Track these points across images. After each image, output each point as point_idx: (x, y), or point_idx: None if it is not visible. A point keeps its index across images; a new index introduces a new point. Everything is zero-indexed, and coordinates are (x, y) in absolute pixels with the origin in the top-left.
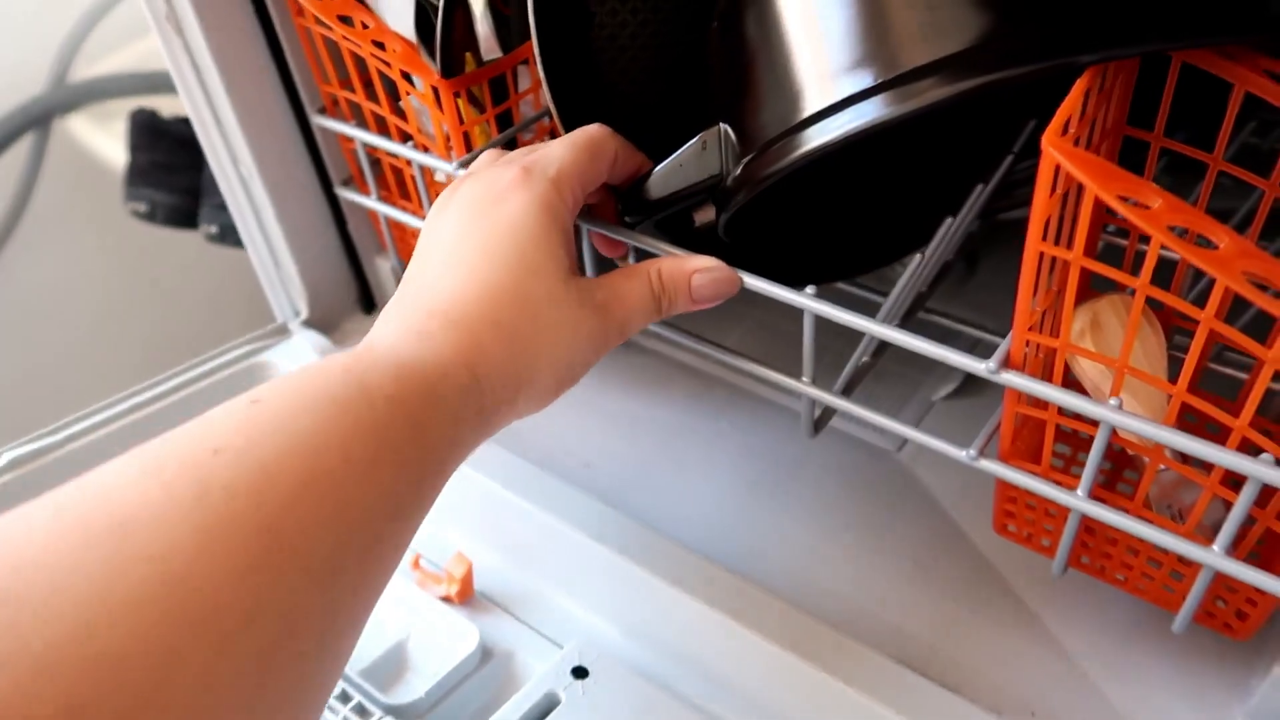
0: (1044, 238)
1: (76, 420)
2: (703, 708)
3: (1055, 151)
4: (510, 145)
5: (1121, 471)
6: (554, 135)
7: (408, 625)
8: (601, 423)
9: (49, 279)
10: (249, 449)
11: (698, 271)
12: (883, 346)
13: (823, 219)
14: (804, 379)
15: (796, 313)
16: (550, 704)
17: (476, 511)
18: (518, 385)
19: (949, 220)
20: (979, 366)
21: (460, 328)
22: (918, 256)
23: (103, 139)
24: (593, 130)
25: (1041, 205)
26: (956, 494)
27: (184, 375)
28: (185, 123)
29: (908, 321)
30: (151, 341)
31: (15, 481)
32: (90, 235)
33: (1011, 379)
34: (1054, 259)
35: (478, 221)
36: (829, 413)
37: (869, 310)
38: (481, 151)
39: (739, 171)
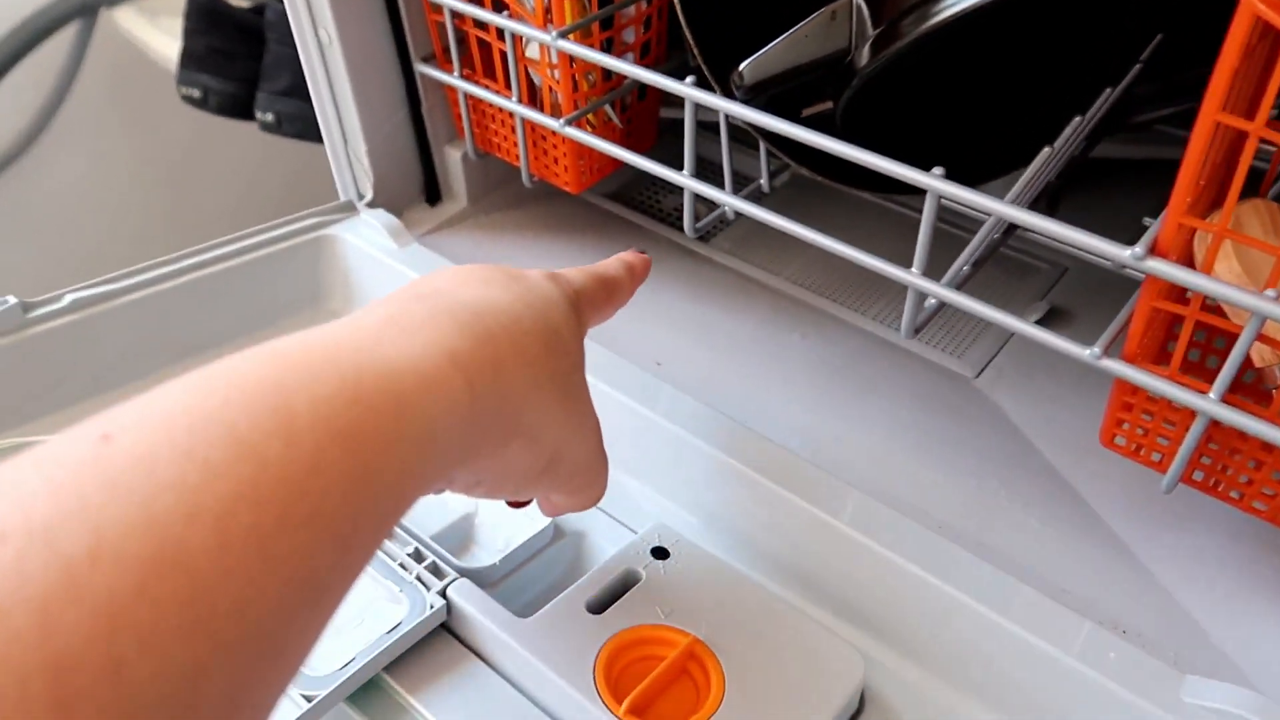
0: (1223, 107)
1: (140, 270)
2: (783, 596)
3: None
4: (607, 22)
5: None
6: (652, 20)
7: (473, 500)
8: (671, 327)
9: (81, 173)
10: (66, 523)
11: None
12: (1000, 241)
13: (938, 117)
14: (913, 270)
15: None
16: (630, 580)
17: None
18: (513, 429)
19: (1077, 119)
20: (1123, 254)
21: (475, 325)
22: (1046, 150)
23: (151, 32)
24: (614, 267)
25: (1229, 64)
26: (1040, 422)
27: (249, 240)
28: (246, 10)
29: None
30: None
31: (82, 322)
32: (132, 128)
33: (1158, 267)
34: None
35: (507, 276)
36: (930, 315)
37: (952, 243)
38: (580, 24)
39: (869, 44)
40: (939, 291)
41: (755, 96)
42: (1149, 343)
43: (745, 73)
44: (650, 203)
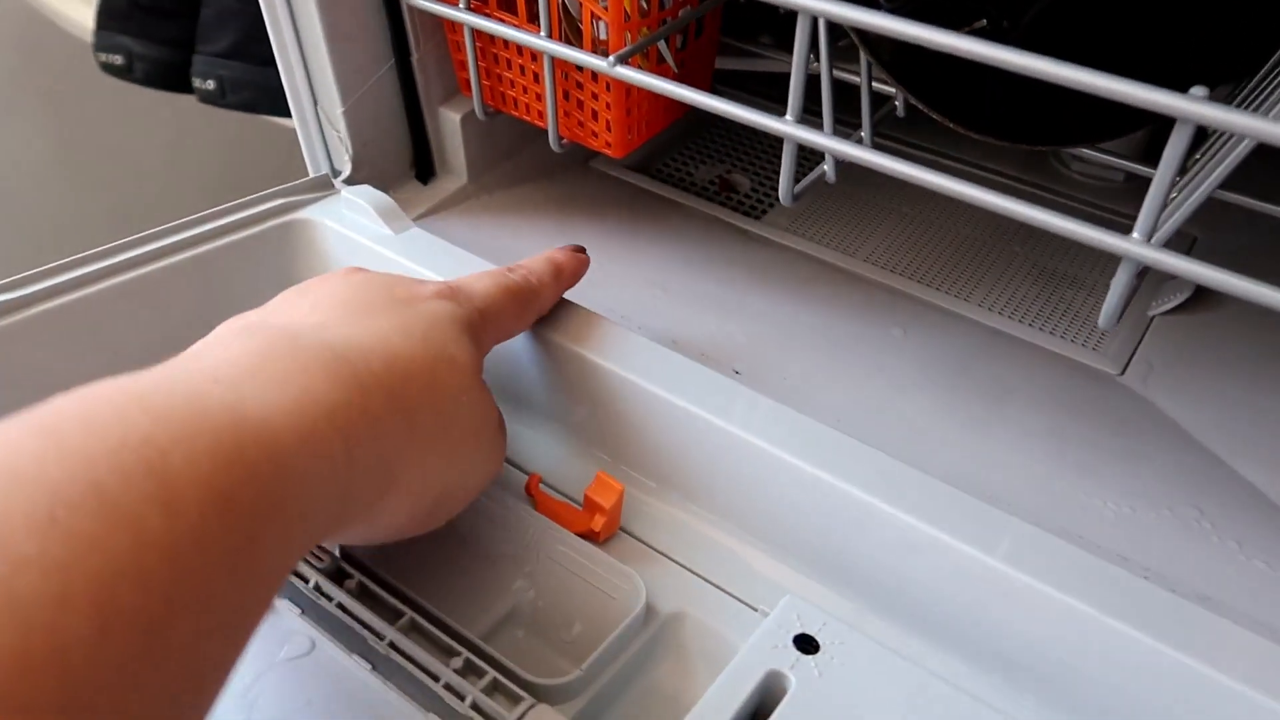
0: None
1: (61, 269)
2: (970, 689)
3: None
4: None
5: None
6: None
7: (525, 570)
8: (742, 323)
9: None
10: None
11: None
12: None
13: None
14: (1136, 235)
15: (928, 221)
16: (775, 690)
17: (613, 419)
18: (389, 484)
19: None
20: None
21: (348, 377)
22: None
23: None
24: (531, 272)
25: None
26: (1218, 428)
27: (197, 228)
28: None
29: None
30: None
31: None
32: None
33: None
34: None
35: (390, 299)
36: (1131, 294)
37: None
38: None
39: None
40: (1188, 267)
41: (896, 7)
42: None
43: None
44: (681, 175)
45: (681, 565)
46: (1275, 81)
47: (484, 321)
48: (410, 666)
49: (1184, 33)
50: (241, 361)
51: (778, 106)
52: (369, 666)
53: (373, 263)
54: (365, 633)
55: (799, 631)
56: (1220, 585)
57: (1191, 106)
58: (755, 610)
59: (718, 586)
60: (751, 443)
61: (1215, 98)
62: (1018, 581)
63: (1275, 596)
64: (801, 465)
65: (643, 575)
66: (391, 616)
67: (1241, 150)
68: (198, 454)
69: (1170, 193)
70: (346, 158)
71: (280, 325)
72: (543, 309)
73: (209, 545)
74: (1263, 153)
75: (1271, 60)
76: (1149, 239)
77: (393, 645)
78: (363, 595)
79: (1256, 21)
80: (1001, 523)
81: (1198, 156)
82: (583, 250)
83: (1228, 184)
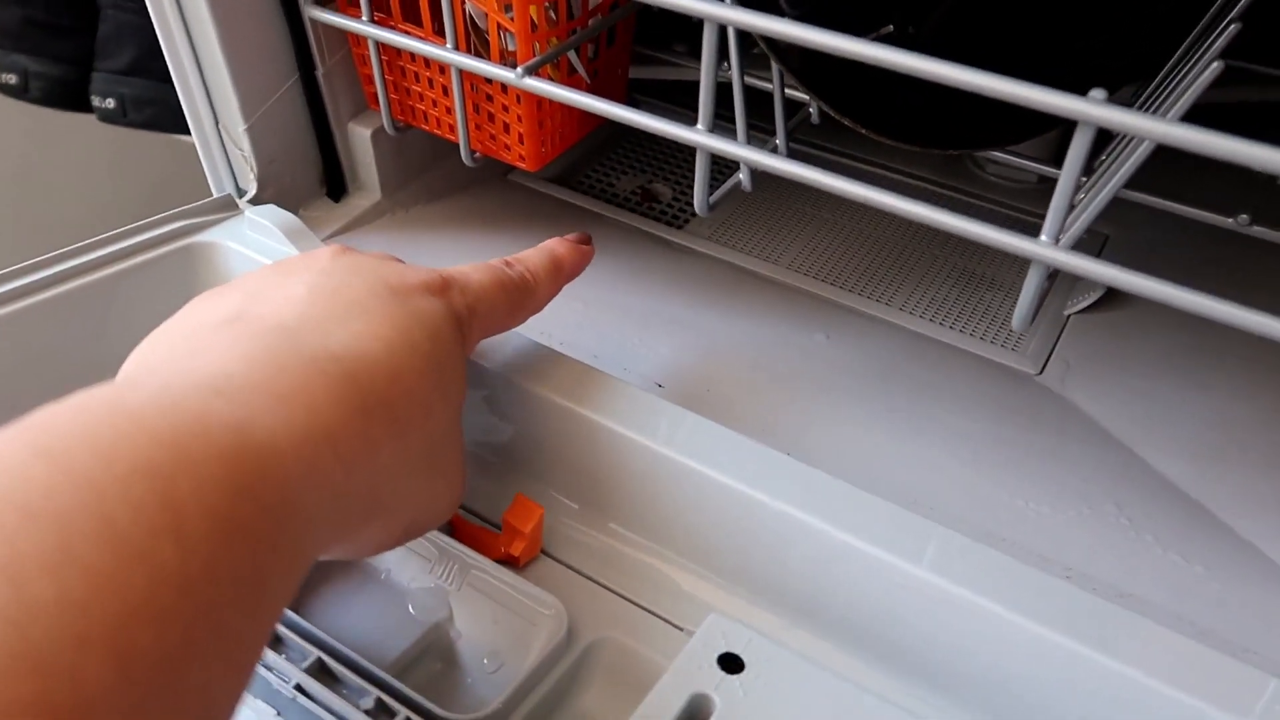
0: None
1: None
2: (898, 701)
3: None
4: None
5: None
6: None
7: (444, 600)
8: (665, 336)
9: None
10: None
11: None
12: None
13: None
14: (1044, 237)
15: (849, 227)
16: (701, 711)
17: (532, 440)
18: (377, 509)
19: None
20: None
21: (351, 396)
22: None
23: None
24: (528, 266)
25: None
26: (1134, 424)
27: (90, 254)
28: None
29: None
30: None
31: None
32: None
33: None
34: None
35: (384, 290)
36: (1044, 297)
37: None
38: None
39: None
40: (1096, 269)
41: (802, 14)
42: None
43: None
44: (603, 186)
45: (605, 587)
46: (1175, 81)
47: (473, 319)
48: (318, 710)
49: (1088, 34)
50: (243, 371)
51: (695, 115)
52: (274, 713)
53: None
54: (270, 676)
55: (723, 650)
56: (1138, 580)
57: (1090, 109)
58: (681, 630)
59: (643, 608)
60: (674, 459)
61: (1120, 98)
62: (942, 590)
63: (1191, 589)
64: (724, 480)
65: (565, 599)
66: (299, 657)
67: (1142, 152)
68: (206, 483)
69: (1078, 194)
70: (251, 177)
71: (275, 322)
72: (537, 308)
73: (221, 578)
74: (1169, 151)
75: (1172, 59)
76: (1056, 241)
77: (299, 688)
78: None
79: (1158, 22)
80: (925, 531)
81: (1104, 158)
82: (588, 240)
83: (1135, 183)
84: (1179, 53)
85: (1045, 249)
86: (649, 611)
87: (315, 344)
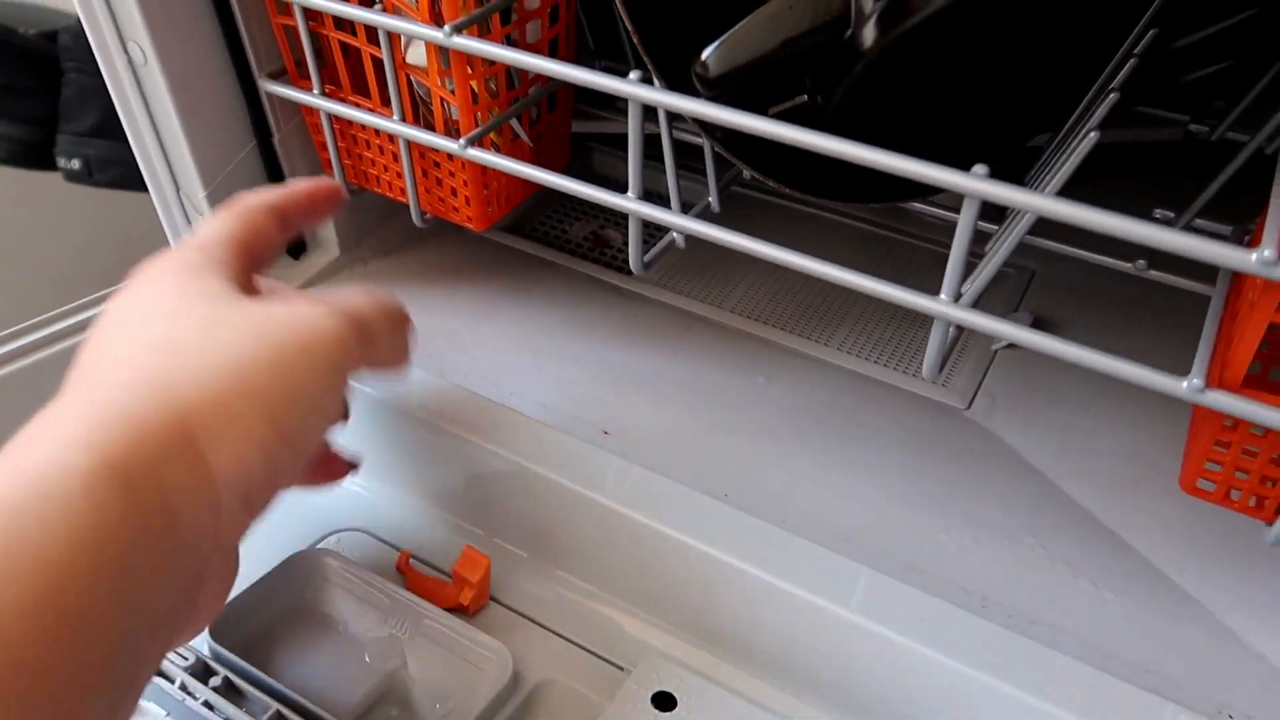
0: None
1: None
2: None
3: None
4: (505, 16)
5: None
6: (559, 10)
7: (398, 649)
8: (613, 382)
9: None
10: None
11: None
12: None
13: (934, 105)
14: (943, 296)
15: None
16: None
17: (482, 492)
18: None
19: (1114, 95)
20: (1247, 259)
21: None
22: (1093, 135)
23: None
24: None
25: None
26: (1055, 455)
27: (55, 325)
28: (35, 36)
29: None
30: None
31: None
32: None
33: None
34: None
35: (129, 294)
36: (951, 347)
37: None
38: (478, 16)
39: (874, 19)
40: (989, 325)
41: (720, 92)
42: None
43: (711, 61)
44: (556, 233)
45: (551, 631)
46: (1064, 148)
47: (210, 244)
48: None
49: (990, 97)
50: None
51: (651, 164)
52: None
53: None
54: None
55: (657, 689)
56: (1052, 608)
57: (972, 184)
58: (622, 670)
59: (586, 649)
60: (619, 511)
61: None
62: (868, 630)
63: (1101, 615)
64: (665, 530)
65: (513, 644)
66: (259, 710)
67: (1025, 223)
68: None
69: (989, 243)
70: None
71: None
72: (257, 216)
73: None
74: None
75: (1069, 122)
76: (956, 299)
77: None
78: (229, 691)
79: (1053, 83)
80: (851, 573)
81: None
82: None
83: (1051, 225)
84: (1076, 114)
85: (945, 307)
86: (592, 653)
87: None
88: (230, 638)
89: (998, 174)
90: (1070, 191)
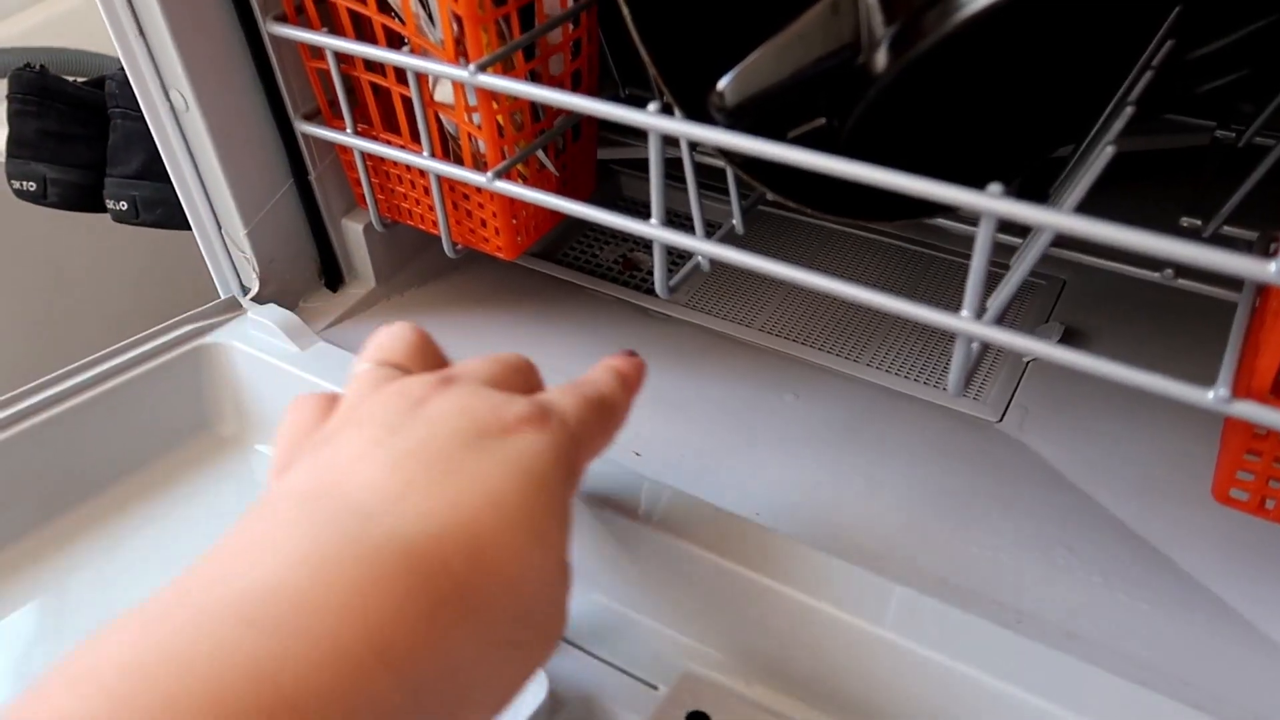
0: None
1: None
2: None
3: None
4: (529, 51)
5: None
6: (581, 44)
7: None
8: (643, 403)
9: None
10: None
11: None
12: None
13: (947, 126)
14: (964, 313)
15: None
16: None
17: None
18: (460, 701)
19: (1130, 108)
20: (1267, 269)
21: (419, 587)
22: (1109, 149)
23: None
24: (605, 383)
25: None
26: (1089, 467)
27: (104, 365)
28: (83, 84)
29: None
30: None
31: None
32: None
33: None
34: None
35: (476, 432)
36: (975, 364)
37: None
38: (502, 54)
39: (886, 43)
40: (1009, 340)
41: (739, 120)
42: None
43: (726, 91)
44: (586, 258)
45: (585, 650)
46: (1085, 161)
47: (577, 449)
48: None
49: (1009, 114)
50: (293, 582)
51: (678, 185)
52: None
53: (280, 380)
54: None
55: (691, 709)
56: (1085, 621)
57: (986, 203)
58: (656, 689)
59: (620, 669)
60: (652, 534)
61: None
62: (902, 647)
63: (1134, 627)
64: (696, 550)
65: (549, 665)
66: None
67: (1045, 239)
68: None
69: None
70: (254, 275)
71: (351, 504)
72: (620, 425)
73: None
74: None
75: (1090, 134)
76: (978, 316)
77: None
78: None
79: (1072, 98)
80: (885, 590)
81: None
82: (633, 353)
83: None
84: (1096, 126)
85: (967, 324)
86: (626, 672)
87: (388, 530)
88: None
89: (1024, 185)
90: (1098, 199)
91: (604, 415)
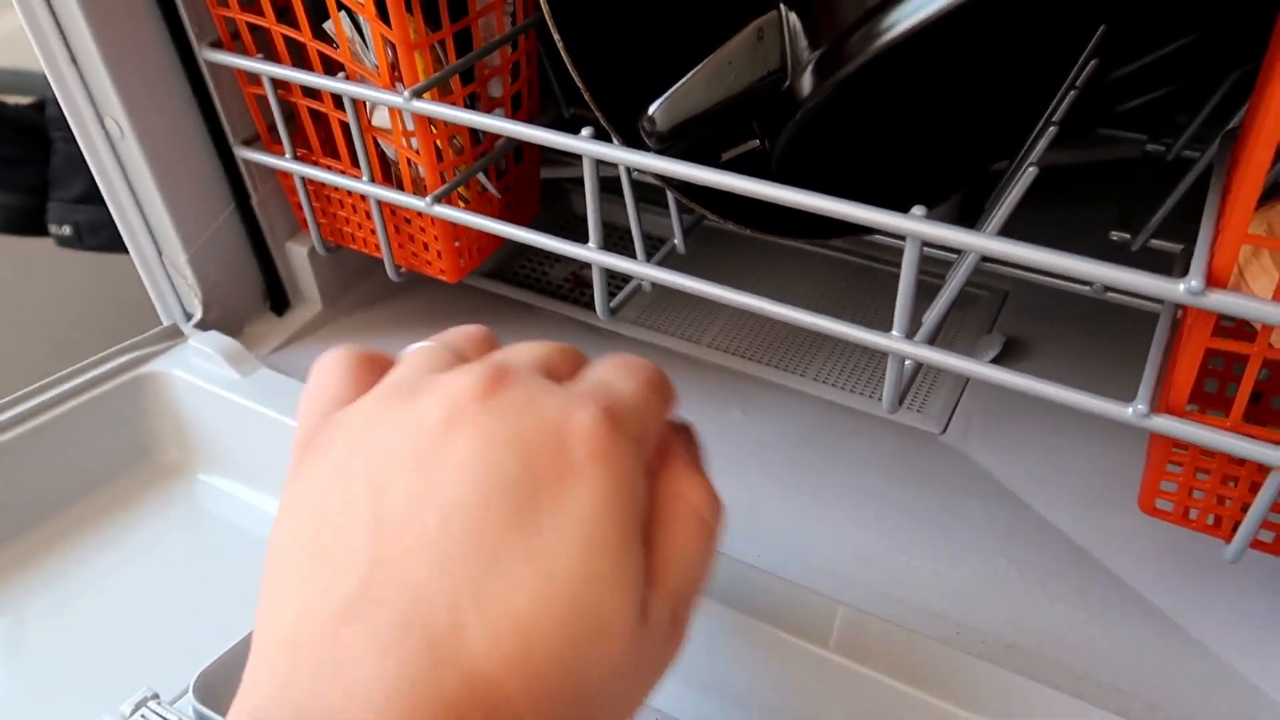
0: None
1: None
2: None
3: None
4: (467, 75)
5: None
6: (520, 66)
7: None
8: None
9: None
10: None
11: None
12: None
13: (876, 146)
14: (895, 332)
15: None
16: None
17: None
18: None
19: (1052, 128)
20: (1175, 289)
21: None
22: (1032, 170)
23: None
24: (648, 364)
25: None
26: (1029, 477)
27: (48, 393)
28: (25, 107)
29: None
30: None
31: None
32: None
33: (1222, 300)
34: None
35: (530, 488)
36: (911, 381)
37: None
38: (437, 80)
39: (811, 68)
40: (938, 359)
41: (671, 144)
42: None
43: (657, 116)
44: (535, 275)
45: None
46: (1009, 182)
47: (647, 443)
48: None
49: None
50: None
51: (619, 202)
52: None
53: (221, 409)
54: None
55: None
56: (1024, 631)
57: (908, 225)
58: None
59: None
60: None
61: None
62: (845, 668)
63: (1071, 635)
64: None
65: None
66: None
67: (971, 260)
68: None
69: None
70: (197, 301)
71: (400, 615)
72: (673, 398)
73: None
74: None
75: (1020, 153)
76: (909, 336)
77: None
78: None
79: (999, 117)
80: (828, 609)
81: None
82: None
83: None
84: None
85: (898, 343)
86: None
87: (453, 658)
88: (220, 701)
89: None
90: (1035, 212)
91: (665, 397)
